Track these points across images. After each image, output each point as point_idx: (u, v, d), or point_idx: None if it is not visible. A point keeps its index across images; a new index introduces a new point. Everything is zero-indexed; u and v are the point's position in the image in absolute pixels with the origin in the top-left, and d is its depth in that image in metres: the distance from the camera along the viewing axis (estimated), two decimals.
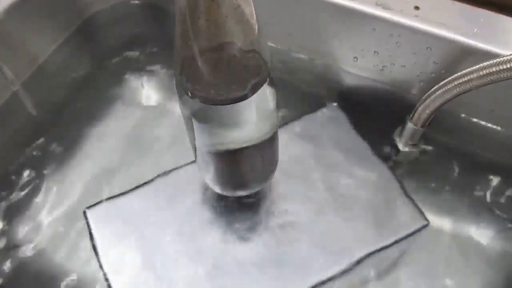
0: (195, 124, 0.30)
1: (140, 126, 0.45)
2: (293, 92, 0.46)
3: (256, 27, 0.26)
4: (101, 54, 0.50)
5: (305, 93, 0.46)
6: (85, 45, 0.50)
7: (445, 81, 0.36)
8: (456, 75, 0.34)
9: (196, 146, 0.33)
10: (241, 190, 0.38)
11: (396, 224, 0.38)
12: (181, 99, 0.29)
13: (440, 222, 0.39)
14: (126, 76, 0.48)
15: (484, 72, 0.32)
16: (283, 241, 0.37)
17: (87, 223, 0.39)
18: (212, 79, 0.27)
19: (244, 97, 0.27)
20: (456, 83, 0.35)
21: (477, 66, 0.33)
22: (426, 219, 0.38)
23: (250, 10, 0.25)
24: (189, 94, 0.28)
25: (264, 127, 0.31)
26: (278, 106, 0.46)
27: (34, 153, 0.43)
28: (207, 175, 0.37)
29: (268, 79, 0.28)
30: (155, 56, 0.50)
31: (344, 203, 0.39)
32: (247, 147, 0.31)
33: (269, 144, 0.33)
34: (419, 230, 0.38)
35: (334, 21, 0.40)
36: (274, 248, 0.37)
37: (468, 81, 0.34)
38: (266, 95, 0.29)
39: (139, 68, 0.49)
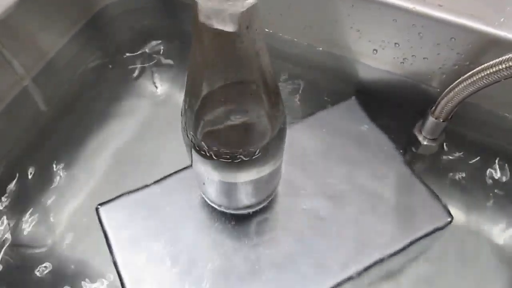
0: (195, 164, 0.30)
1: (152, 121, 0.44)
2: (311, 86, 0.45)
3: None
4: (111, 48, 0.49)
5: (323, 87, 0.45)
6: (95, 39, 0.49)
7: (470, 73, 0.34)
8: (482, 66, 0.33)
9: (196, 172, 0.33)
10: (244, 209, 0.37)
11: (419, 220, 0.37)
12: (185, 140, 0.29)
13: (464, 218, 0.38)
14: (137, 70, 0.47)
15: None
16: (301, 239, 0.36)
17: (100, 219, 0.38)
18: (221, 140, 0.27)
19: (252, 156, 0.27)
20: (482, 75, 0.34)
21: (505, 57, 0.32)
22: (450, 215, 0.37)
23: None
24: (196, 148, 0.27)
25: (272, 167, 0.31)
26: (294, 100, 0.46)
27: (44, 148, 0.43)
28: (208, 196, 0.36)
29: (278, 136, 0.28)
30: (167, 50, 0.49)
31: (365, 199, 0.38)
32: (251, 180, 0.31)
33: (274, 170, 0.32)
34: (443, 227, 0.37)
35: (354, 12, 0.39)
36: (292, 247, 0.36)
37: (495, 72, 0.33)
38: (276, 149, 0.29)
39: (150, 61, 0.48)
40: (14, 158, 0.41)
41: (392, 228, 0.37)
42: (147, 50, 0.49)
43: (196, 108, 0.25)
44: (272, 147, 0.28)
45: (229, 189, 0.33)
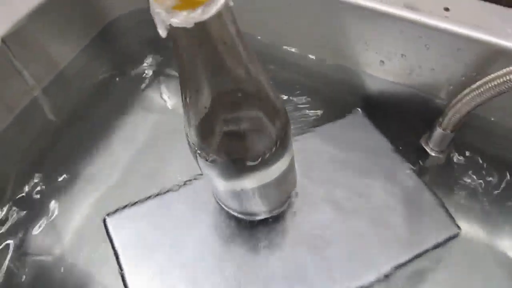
0: (205, 172, 0.30)
1: (159, 131, 0.45)
2: (317, 98, 0.45)
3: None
4: (121, 59, 0.50)
5: (330, 98, 0.45)
6: (105, 50, 0.49)
7: (477, 83, 0.34)
8: (489, 77, 0.33)
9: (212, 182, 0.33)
10: (259, 216, 0.37)
11: (427, 232, 0.37)
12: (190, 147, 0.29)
13: (472, 230, 0.38)
14: (146, 81, 0.48)
15: None
16: (311, 251, 0.36)
17: (107, 230, 0.39)
18: (226, 145, 0.27)
19: (258, 161, 0.27)
20: (489, 86, 0.34)
21: None
22: (458, 226, 0.37)
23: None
24: (199, 152, 0.27)
25: (281, 169, 0.31)
26: (300, 113, 0.46)
27: (52, 158, 0.43)
28: (222, 202, 0.36)
29: (284, 141, 0.28)
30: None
31: (373, 210, 0.38)
32: (262, 185, 0.31)
33: (286, 173, 0.32)
34: (451, 238, 0.37)
35: (361, 24, 0.39)
36: (302, 258, 0.36)
37: (503, 83, 0.33)
38: (280, 152, 0.28)
39: (159, 73, 0.48)
40: (23, 167, 0.42)
41: (400, 240, 0.36)
42: (156, 62, 0.49)
43: (189, 112, 0.25)
44: (275, 151, 0.28)
45: (238, 195, 0.33)
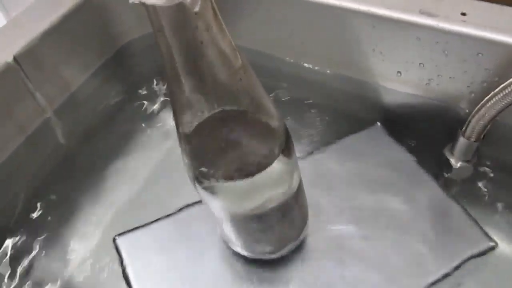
0: (204, 198, 0.28)
1: (171, 155, 0.44)
2: (334, 114, 0.44)
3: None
4: (133, 83, 0.49)
5: (347, 114, 0.44)
6: (117, 73, 0.49)
7: (501, 86, 0.33)
8: None
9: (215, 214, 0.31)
10: (268, 254, 0.34)
11: (459, 246, 0.34)
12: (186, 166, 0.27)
13: (507, 244, 0.35)
14: (157, 106, 0.47)
15: None
16: (332, 269, 0.34)
17: (117, 250, 0.37)
18: (219, 156, 0.25)
19: (254, 173, 0.25)
20: None
21: None
22: (492, 239, 0.35)
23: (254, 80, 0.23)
24: (195, 173, 0.26)
25: (284, 190, 0.28)
26: (317, 129, 0.45)
27: (62, 180, 0.42)
28: (228, 239, 0.34)
29: (282, 148, 0.26)
30: None
31: (398, 225, 0.36)
32: (266, 212, 0.28)
33: (293, 201, 0.30)
34: (485, 252, 0.34)
35: (375, 33, 0.39)
36: (323, 276, 0.34)
37: None
38: (282, 164, 0.26)
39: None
40: (33, 188, 0.41)
41: (431, 255, 0.34)
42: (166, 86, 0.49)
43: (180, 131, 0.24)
44: (274, 162, 0.26)
45: (243, 226, 0.30)
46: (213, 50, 0.20)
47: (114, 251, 0.37)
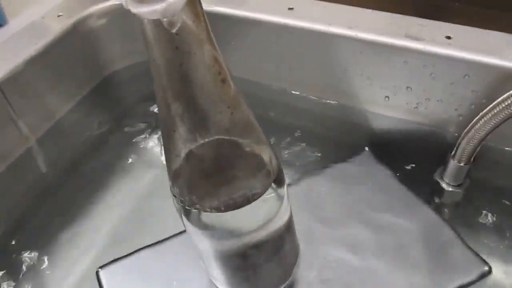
0: (191, 232, 0.27)
1: (155, 187, 0.42)
2: (323, 140, 0.43)
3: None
4: (118, 113, 0.49)
5: (336, 140, 0.43)
6: (102, 103, 0.48)
7: (489, 107, 0.33)
8: (502, 97, 0.32)
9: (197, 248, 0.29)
10: None
11: (454, 272, 0.33)
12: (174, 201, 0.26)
13: (501, 269, 0.34)
14: (143, 136, 0.46)
15: None
16: None
17: (100, 284, 0.35)
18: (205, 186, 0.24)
19: (243, 204, 0.24)
20: (502, 106, 0.32)
21: None
22: (487, 264, 0.34)
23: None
24: (180, 200, 0.25)
25: (274, 224, 0.27)
26: (305, 156, 0.45)
27: (43, 211, 0.40)
28: (214, 278, 0.32)
29: (273, 180, 0.25)
30: None
31: (392, 252, 0.35)
32: (255, 247, 0.27)
33: (282, 237, 0.29)
34: (480, 277, 0.33)
35: (363, 59, 0.39)
36: None
37: None
38: (272, 196, 0.25)
39: (156, 128, 0.47)
40: (12, 219, 0.39)
41: (426, 281, 0.33)
42: (153, 116, 0.48)
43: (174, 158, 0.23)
44: (268, 194, 0.25)
45: (230, 262, 0.29)
46: (197, 74, 0.20)
47: (96, 285, 0.35)
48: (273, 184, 0.24)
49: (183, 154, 0.22)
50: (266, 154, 0.24)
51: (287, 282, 0.32)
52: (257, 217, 0.25)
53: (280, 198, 0.26)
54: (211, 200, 0.24)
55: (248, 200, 0.24)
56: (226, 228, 0.25)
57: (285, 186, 0.27)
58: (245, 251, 0.27)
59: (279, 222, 0.27)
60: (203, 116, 0.21)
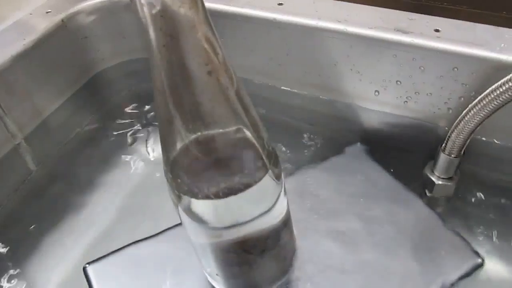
0: (184, 220, 0.27)
1: (144, 184, 0.42)
2: (313, 136, 0.43)
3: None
4: (107, 111, 0.48)
5: (326, 136, 0.43)
6: (91, 101, 0.48)
7: (478, 98, 0.33)
8: (490, 88, 0.32)
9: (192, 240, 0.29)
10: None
11: (447, 265, 0.33)
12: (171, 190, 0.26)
13: (494, 261, 0.34)
14: (132, 134, 0.46)
15: None
16: None
17: (88, 280, 0.34)
18: (200, 171, 0.24)
19: (237, 191, 0.24)
20: (491, 97, 0.32)
21: None
22: (479, 256, 0.34)
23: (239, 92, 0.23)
24: (176, 189, 0.25)
25: (269, 216, 0.27)
26: (296, 152, 0.44)
27: (30, 211, 0.40)
28: (209, 274, 0.32)
29: (267, 167, 0.25)
30: None
31: (385, 245, 0.35)
32: (250, 240, 0.27)
33: (278, 232, 0.28)
34: (473, 270, 0.33)
35: (353, 53, 0.39)
36: None
37: (505, 91, 0.32)
38: (266, 184, 0.25)
39: (145, 126, 0.47)
40: (1, 217, 0.39)
41: (419, 274, 0.33)
42: (142, 115, 0.48)
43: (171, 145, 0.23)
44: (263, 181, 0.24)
45: (225, 256, 0.28)
46: (179, 60, 0.19)
47: (85, 282, 0.34)
48: (269, 172, 0.24)
49: (178, 142, 0.22)
50: (261, 144, 0.24)
51: (283, 279, 0.32)
52: (252, 206, 0.25)
53: (277, 188, 0.26)
54: (207, 187, 0.23)
55: (243, 187, 0.23)
56: (221, 217, 0.25)
57: (282, 178, 0.27)
58: (240, 244, 0.27)
59: (275, 213, 0.27)
60: (190, 105, 0.21)
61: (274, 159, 0.25)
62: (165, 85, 0.20)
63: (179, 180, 0.24)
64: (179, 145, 0.22)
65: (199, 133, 0.22)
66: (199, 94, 0.20)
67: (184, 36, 0.19)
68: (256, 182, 0.24)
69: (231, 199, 0.23)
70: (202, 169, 0.23)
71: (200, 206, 0.24)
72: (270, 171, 0.24)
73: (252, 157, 0.24)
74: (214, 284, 0.32)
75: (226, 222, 0.25)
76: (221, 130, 0.22)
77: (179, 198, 0.25)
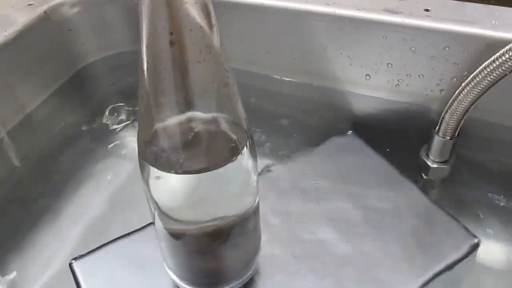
0: (152, 198, 0.26)
1: (128, 181, 0.42)
2: (304, 123, 0.43)
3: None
4: (92, 106, 0.48)
5: (318, 123, 0.43)
6: (76, 95, 0.47)
7: (471, 76, 0.33)
8: (482, 66, 0.32)
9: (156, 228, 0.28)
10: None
11: (444, 247, 0.32)
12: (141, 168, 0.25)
13: (490, 242, 0.34)
14: (117, 129, 0.46)
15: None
16: (314, 275, 0.31)
17: (74, 276, 0.33)
18: (176, 147, 0.23)
19: (209, 168, 0.23)
20: (483, 75, 0.32)
21: (504, 49, 0.30)
22: (476, 236, 0.33)
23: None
24: (150, 161, 0.24)
25: (239, 203, 0.26)
26: (288, 140, 0.44)
27: (14, 207, 0.39)
28: (170, 267, 0.30)
29: (244, 148, 0.24)
30: None
31: (381, 230, 0.34)
32: (216, 228, 0.25)
33: (245, 223, 0.27)
34: (471, 250, 0.32)
35: (342, 36, 0.38)
36: (304, 284, 0.31)
37: (498, 67, 0.31)
38: (241, 165, 0.24)
39: (131, 120, 0.46)
40: None
41: (417, 257, 0.32)
42: (128, 109, 0.47)
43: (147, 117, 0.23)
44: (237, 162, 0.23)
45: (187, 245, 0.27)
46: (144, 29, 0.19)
47: (71, 279, 0.33)
48: (240, 156, 0.23)
49: (152, 120, 0.22)
50: (236, 126, 0.23)
51: (249, 273, 0.31)
52: (220, 188, 0.24)
53: (247, 173, 0.25)
54: (176, 162, 0.22)
55: (213, 166, 0.22)
56: (189, 196, 0.24)
57: (256, 167, 0.25)
58: (205, 236, 0.26)
59: (244, 201, 0.26)
60: (159, 79, 0.20)
61: (248, 142, 0.24)
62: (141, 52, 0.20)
63: (151, 157, 0.23)
64: (149, 124, 0.22)
65: (167, 107, 0.21)
66: (164, 67, 0.20)
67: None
68: (224, 162, 0.23)
69: (199, 176, 0.23)
70: (172, 145, 0.23)
71: (168, 182, 0.23)
72: (241, 155, 0.23)
73: (223, 138, 0.23)
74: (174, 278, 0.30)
75: (192, 202, 0.24)
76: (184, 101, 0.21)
77: (148, 174, 0.24)
